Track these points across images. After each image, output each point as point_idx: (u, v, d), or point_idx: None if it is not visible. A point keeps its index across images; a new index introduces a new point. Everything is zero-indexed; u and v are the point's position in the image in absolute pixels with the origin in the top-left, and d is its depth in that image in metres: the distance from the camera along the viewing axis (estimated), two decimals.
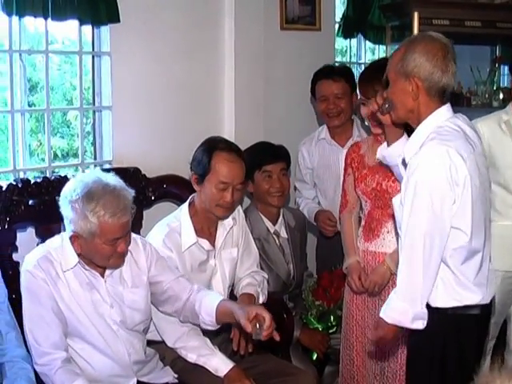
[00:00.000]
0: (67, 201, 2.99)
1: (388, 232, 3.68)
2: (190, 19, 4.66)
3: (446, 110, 2.94)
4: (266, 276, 3.95)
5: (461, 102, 6.00)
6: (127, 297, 3.25)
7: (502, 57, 6.50)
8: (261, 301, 3.78)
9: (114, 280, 3.22)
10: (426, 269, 2.84)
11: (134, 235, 3.26)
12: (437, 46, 2.90)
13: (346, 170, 3.92)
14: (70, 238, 3.04)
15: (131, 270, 3.27)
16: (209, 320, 3.28)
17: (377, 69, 3.65)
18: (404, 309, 2.89)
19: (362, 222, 3.83)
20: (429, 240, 2.81)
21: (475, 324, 2.99)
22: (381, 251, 3.70)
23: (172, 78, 4.60)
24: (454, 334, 2.96)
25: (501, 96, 5.89)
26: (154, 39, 4.49)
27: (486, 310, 3.02)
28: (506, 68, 7.13)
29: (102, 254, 3.05)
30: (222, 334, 3.73)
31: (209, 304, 3.27)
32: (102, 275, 3.18)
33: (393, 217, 3.31)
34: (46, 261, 3.08)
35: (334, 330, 4.15)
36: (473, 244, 2.89)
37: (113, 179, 3.08)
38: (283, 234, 4.29)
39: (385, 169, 3.59)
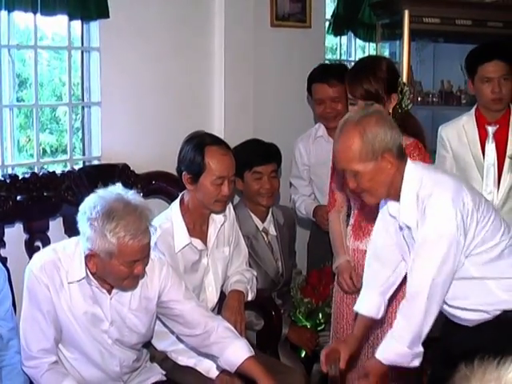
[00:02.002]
0: (85, 217, 2.85)
1: None
2: (179, 16, 4.64)
3: (411, 164, 2.92)
4: (255, 273, 3.93)
5: (451, 100, 6.00)
6: (129, 318, 3.14)
7: None
8: (249, 298, 3.77)
9: (120, 299, 3.10)
10: (426, 316, 2.83)
11: (152, 255, 3.12)
12: (374, 117, 2.86)
13: (333, 169, 3.89)
14: (86, 257, 2.92)
15: (141, 292, 3.14)
16: (226, 367, 3.16)
17: (364, 67, 3.66)
18: (404, 352, 2.86)
19: (351, 221, 3.81)
20: (432, 290, 2.81)
21: None
22: None
23: (161, 75, 4.58)
24: None
25: None
26: (143, 35, 4.47)
27: None
28: None
29: (118, 275, 2.92)
30: None
31: (233, 358, 3.10)
32: (109, 292, 3.07)
33: None
34: (52, 266, 2.98)
35: (323, 327, 4.15)
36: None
37: (134, 197, 2.93)
38: (272, 231, 4.29)
39: None
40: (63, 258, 2.99)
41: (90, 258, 2.90)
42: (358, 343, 3.26)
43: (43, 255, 3.06)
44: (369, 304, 3.20)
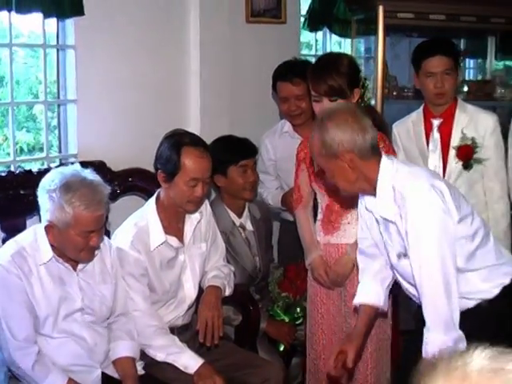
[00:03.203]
0: (45, 190, 3.06)
1: (348, 223, 3.70)
2: (155, 13, 4.65)
3: (385, 159, 2.97)
4: (233, 269, 3.95)
5: None
6: (98, 290, 3.30)
7: (466, 50, 6.55)
8: (227, 293, 3.80)
9: (86, 274, 3.27)
10: (449, 299, 2.87)
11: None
12: (341, 115, 2.94)
13: (298, 165, 3.91)
14: (45, 228, 3.09)
15: (100, 266, 3.33)
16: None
17: (326, 64, 3.70)
18: (443, 340, 2.87)
19: (320, 216, 3.83)
20: (445, 277, 2.85)
21: None
22: (343, 242, 3.73)
23: (137, 72, 4.58)
24: None
25: (465, 89, 5.93)
26: (118, 33, 4.47)
27: None
28: (471, 61, 7.24)
29: (75, 245, 3.10)
30: (189, 330, 3.75)
31: (115, 351, 3.39)
32: (75, 269, 3.22)
33: (352, 207, 3.51)
34: (19, 256, 3.10)
35: (301, 321, 4.17)
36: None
37: (91, 174, 3.16)
38: (249, 226, 4.31)
39: None
40: (27, 246, 3.14)
41: (49, 229, 3.10)
42: (363, 338, 3.28)
43: (7, 249, 3.19)
44: (367, 292, 3.25)
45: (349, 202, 3.57)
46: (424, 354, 2.92)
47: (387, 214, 2.96)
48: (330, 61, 3.72)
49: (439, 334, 2.89)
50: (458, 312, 2.90)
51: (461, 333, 2.90)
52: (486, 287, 3.03)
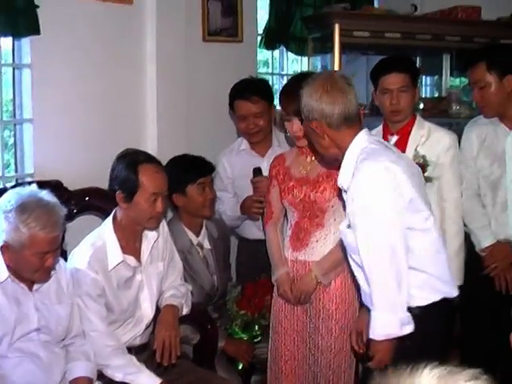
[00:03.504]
0: (1, 211, 3.05)
1: (317, 241, 3.73)
2: (111, 32, 4.65)
3: (363, 133, 3.11)
4: (190, 288, 3.95)
5: None
6: (54, 312, 3.28)
7: (421, 68, 6.62)
8: (184, 312, 3.79)
9: (42, 295, 3.25)
10: (397, 276, 2.95)
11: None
12: (316, 84, 3.11)
13: (270, 181, 3.95)
14: (1, 248, 3.08)
15: (55, 286, 3.32)
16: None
17: (297, 84, 3.70)
18: (389, 319, 2.96)
19: (289, 232, 3.86)
20: (392, 252, 2.94)
21: None
22: (310, 260, 3.74)
23: (94, 91, 4.57)
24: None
25: (421, 106, 5.99)
26: (75, 51, 4.46)
27: None
28: (427, 79, 7.32)
29: (30, 265, 3.09)
30: (147, 350, 3.74)
31: (72, 372, 3.36)
32: (30, 289, 3.21)
33: (321, 227, 3.69)
34: None
35: (259, 339, 4.17)
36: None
37: (47, 195, 3.16)
38: (206, 245, 4.30)
39: (312, 180, 3.71)
40: None
41: (4, 249, 3.09)
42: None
43: None
44: None
45: (319, 221, 3.69)
46: (371, 335, 3.03)
47: (343, 181, 3.08)
48: (300, 81, 3.74)
49: (384, 312, 2.97)
50: (405, 292, 2.96)
51: (408, 314, 2.97)
52: (416, 293, 3.05)
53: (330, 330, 3.71)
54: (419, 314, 3.03)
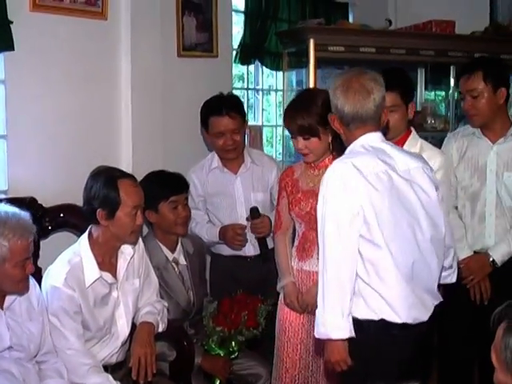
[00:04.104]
0: None
1: None
2: (86, 47, 4.62)
3: (368, 136, 3.21)
4: (166, 304, 3.94)
5: None
6: (26, 329, 3.26)
7: None
8: (160, 329, 3.78)
9: (13, 312, 3.24)
10: (341, 283, 3.03)
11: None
12: (339, 80, 3.24)
13: (280, 193, 4.05)
14: None
15: (26, 304, 3.31)
16: None
17: (299, 103, 3.86)
18: (324, 319, 3.07)
19: (296, 242, 3.99)
20: (335, 252, 3.05)
21: None
22: (314, 270, 3.81)
23: (68, 107, 4.54)
24: None
25: None
26: (49, 67, 4.44)
27: None
28: None
29: (13, 278, 3.13)
30: (123, 368, 3.72)
31: None
32: (1, 307, 3.19)
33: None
34: None
35: (236, 355, 4.15)
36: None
37: (6, 207, 3.22)
38: (182, 261, 4.27)
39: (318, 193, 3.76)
40: None
41: None
42: None
43: None
44: None
45: None
46: (316, 334, 3.15)
47: None
48: (303, 100, 3.85)
49: (324, 313, 3.07)
50: (346, 300, 3.03)
51: (346, 320, 3.04)
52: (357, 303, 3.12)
53: None
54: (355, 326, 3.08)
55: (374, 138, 3.21)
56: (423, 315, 3.17)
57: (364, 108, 3.15)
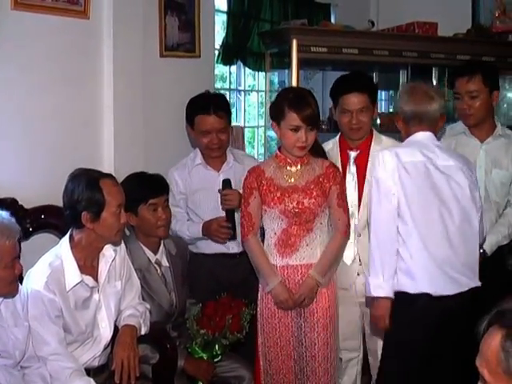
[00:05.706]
0: None
1: (307, 245, 3.98)
2: (67, 47, 4.58)
3: (421, 134, 3.78)
4: (148, 307, 3.91)
5: None
6: (11, 335, 3.23)
7: (378, 83, 6.65)
8: (143, 332, 3.76)
9: None
10: (376, 240, 3.67)
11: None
12: (407, 87, 4.07)
13: (250, 194, 4.01)
14: None
15: (11, 309, 3.27)
16: None
17: (307, 95, 3.99)
18: (369, 280, 3.70)
19: (273, 240, 4.00)
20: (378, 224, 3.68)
21: None
22: (302, 263, 3.96)
23: (49, 107, 4.50)
24: None
25: (378, 121, 6.01)
26: (30, 67, 4.39)
27: None
28: (384, 93, 7.37)
29: (5, 280, 3.11)
30: (105, 372, 3.69)
31: None
32: None
33: (311, 231, 3.97)
34: None
35: (219, 358, 4.12)
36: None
37: None
38: (165, 262, 4.23)
39: (302, 188, 3.93)
40: None
41: None
42: None
43: None
44: None
45: (309, 226, 3.96)
46: (366, 293, 3.80)
47: None
48: (306, 93, 4.01)
49: (370, 275, 3.70)
50: (388, 258, 3.65)
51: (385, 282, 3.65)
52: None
53: (313, 326, 3.99)
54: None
55: (424, 136, 3.77)
56: (447, 290, 3.66)
57: (422, 109, 3.73)
